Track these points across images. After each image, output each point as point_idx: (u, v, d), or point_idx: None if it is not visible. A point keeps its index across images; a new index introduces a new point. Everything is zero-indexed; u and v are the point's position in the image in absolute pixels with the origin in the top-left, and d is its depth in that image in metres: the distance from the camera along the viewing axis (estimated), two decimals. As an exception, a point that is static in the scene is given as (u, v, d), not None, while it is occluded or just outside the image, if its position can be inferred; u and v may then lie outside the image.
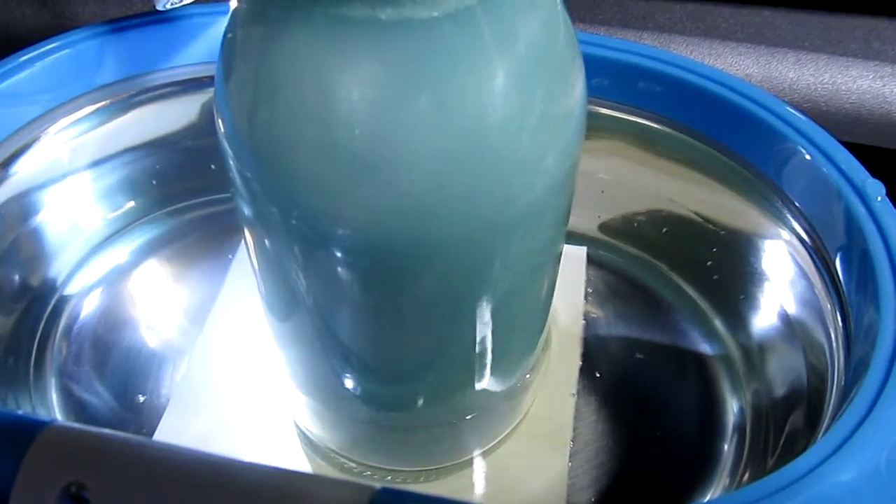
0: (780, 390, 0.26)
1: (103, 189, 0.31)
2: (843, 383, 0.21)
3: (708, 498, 0.25)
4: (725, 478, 0.25)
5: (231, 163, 0.17)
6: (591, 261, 0.31)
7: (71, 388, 0.27)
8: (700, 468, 0.25)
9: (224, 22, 0.29)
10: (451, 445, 0.24)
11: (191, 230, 0.32)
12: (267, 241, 0.18)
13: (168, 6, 0.28)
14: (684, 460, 0.26)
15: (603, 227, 0.32)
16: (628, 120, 0.28)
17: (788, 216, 0.25)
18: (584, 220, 0.31)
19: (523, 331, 0.22)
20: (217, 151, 0.17)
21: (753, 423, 0.26)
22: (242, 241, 0.31)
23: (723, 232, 0.28)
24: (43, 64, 0.27)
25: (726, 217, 0.28)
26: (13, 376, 0.27)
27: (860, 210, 0.22)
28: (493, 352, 0.20)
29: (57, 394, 0.27)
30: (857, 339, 0.21)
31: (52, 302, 0.29)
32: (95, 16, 0.37)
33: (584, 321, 0.29)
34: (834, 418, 0.19)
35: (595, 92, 0.27)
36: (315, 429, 0.25)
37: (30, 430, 0.16)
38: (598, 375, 0.28)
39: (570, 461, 0.25)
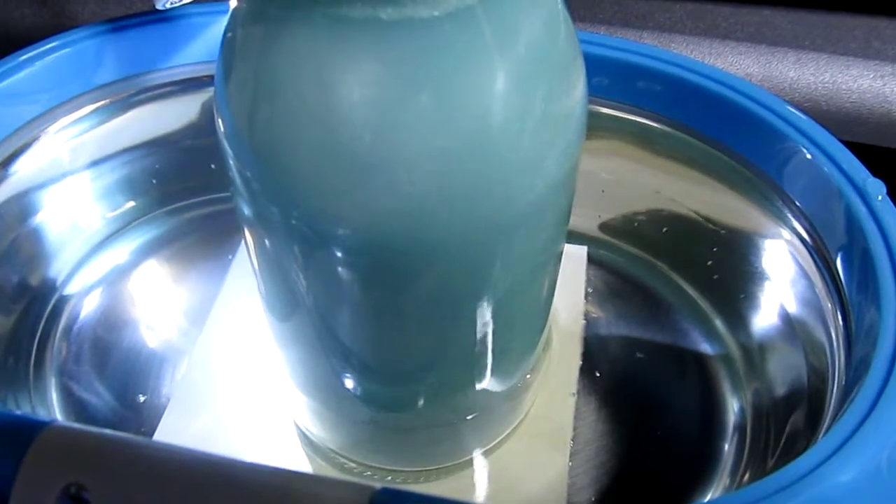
0: (780, 390, 0.26)
1: (103, 188, 0.31)
2: (843, 383, 0.21)
3: (708, 498, 0.25)
4: (726, 478, 0.25)
5: (231, 162, 0.17)
6: (592, 260, 0.31)
7: (71, 387, 0.27)
8: (700, 468, 0.25)
9: (223, 21, 0.29)
10: (451, 445, 0.24)
11: (191, 230, 0.32)
12: (267, 241, 0.18)
13: (167, 5, 0.28)
14: (684, 460, 0.26)
15: (603, 227, 0.32)
16: (629, 119, 0.28)
17: (789, 215, 0.25)
18: (585, 219, 0.31)
19: (524, 330, 0.22)
20: (217, 151, 0.17)
21: (754, 422, 0.26)
22: (242, 241, 0.31)
23: (723, 231, 0.28)
24: (42, 63, 0.27)
25: (727, 216, 0.28)
26: (13, 376, 0.27)
27: (861, 209, 0.22)
28: (493, 352, 0.20)
29: (57, 394, 0.27)
30: (858, 338, 0.21)
31: (52, 302, 0.29)
32: (95, 15, 0.37)
33: (584, 321, 0.29)
34: (835, 418, 0.18)
35: (595, 91, 0.27)
36: (315, 429, 0.25)
37: (29, 431, 0.16)
38: (598, 375, 0.28)
39: (570, 461, 0.25)
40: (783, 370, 0.26)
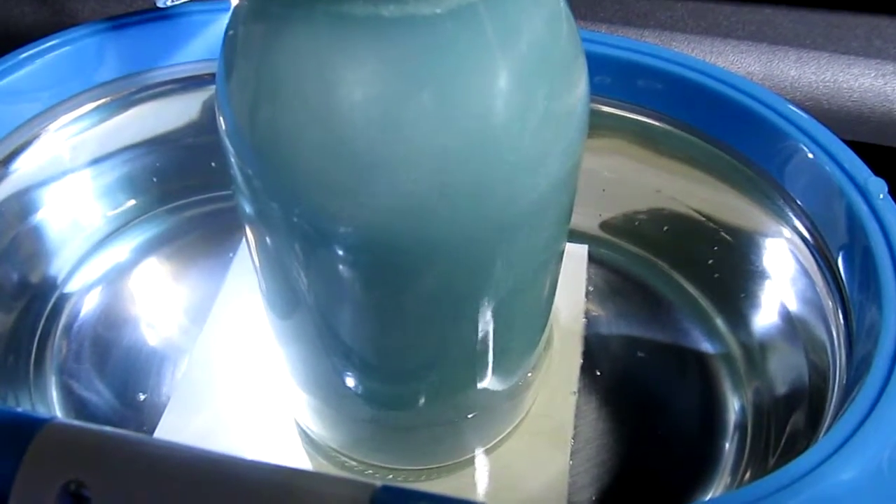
0: (781, 389, 0.26)
1: (104, 186, 0.31)
2: (844, 382, 0.21)
3: (709, 497, 0.25)
4: (727, 476, 0.25)
5: (232, 160, 0.17)
6: (592, 259, 0.31)
7: (71, 385, 0.27)
8: (701, 467, 0.25)
9: (224, 19, 0.29)
10: (452, 444, 0.24)
11: (191, 228, 0.32)
12: (268, 239, 0.18)
13: (168, 3, 0.28)
14: (685, 459, 0.26)
15: (604, 226, 0.32)
16: (630, 118, 0.28)
17: (790, 214, 0.25)
18: (586, 218, 0.31)
19: (525, 329, 0.22)
20: (218, 149, 0.17)
21: (755, 421, 0.26)
22: (243, 239, 0.31)
23: (724, 230, 0.28)
24: (43, 61, 0.27)
25: (728, 215, 0.28)
26: (13, 374, 0.27)
27: (862, 208, 0.22)
28: (495, 350, 0.20)
29: (57, 392, 0.27)
30: (859, 337, 0.21)
31: (53, 300, 0.29)
32: (95, 13, 0.37)
33: (585, 319, 0.29)
34: (836, 417, 0.18)
35: (596, 90, 0.27)
36: (316, 427, 0.25)
37: (29, 428, 0.16)
38: (598, 374, 0.28)
39: (571, 459, 0.25)
40: (784, 369, 0.26)
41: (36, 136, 0.28)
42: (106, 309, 0.30)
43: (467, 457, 0.25)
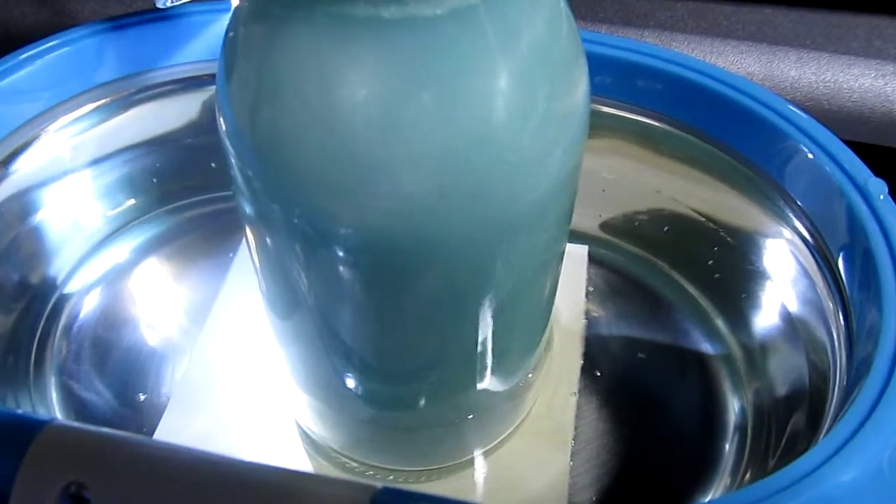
0: (781, 390, 0.26)
1: (103, 187, 0.31)
2: (845, 383, 0.21)
3: (709, 498, 0.25)
4: (727, 477, 0.25)
5: (232, 161, 0.17)
6: (593, 259, 0.31)
7: (71, 386, 0.27)
8: (701, 468, 0.25)
9: (223, 20, 0.29)
10: (453, 445, 0.24)
11: (191, 228, 0.32)
12: (268, 240, 0.18)
13: (168, 4, 0.28)
14: (685, 460, 0.26)
15: (604, 226, 0.32)
16: (630, 118, 0.28)
17: (790, 215, 0.25)
18: (586, 218, 0.31)
19: (526, 330, 0.22)
20: (218, 149, 0.17)
21: (755, 422, 0.26)
22: (243, 240, 0.31)
23: (724, 231, 0.28)
24: (43, 62, 0.27)
25: (728, 216, 0.28)
26: (13, 375, 0.27)
27: (862, 209, 0.22)
28: (495, 351, 0.20)
29: (57, 392, 0.27)
30: (860, 338, 0.21)
31: (52, 300, 0.29)
32: (95, 13, 0.37)
33: (585, 320, 0.29)
34: (836, 418, 0.18)
35: (596, 90, 0.27)
36: (316, 428, 0.25)
37: (29, 430, 0.16)
38: (599, 374, 0.28)
39: (571, 460, 0.25)
40: (784, 370, 0.26)
41: (36, 137, 0.28)
42: (106, 309, 0.30)
43: (468, 458, 0.25)
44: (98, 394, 0.27)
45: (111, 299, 0.30)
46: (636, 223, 0.31)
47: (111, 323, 0.29)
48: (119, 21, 0.28)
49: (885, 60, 0.32)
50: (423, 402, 0.21)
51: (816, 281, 0.24)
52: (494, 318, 0.18)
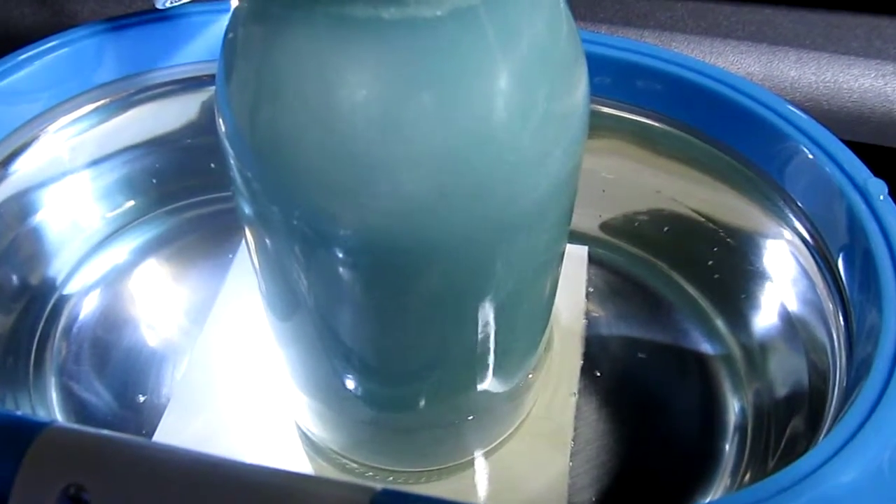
0: (781, 390, 0.26)
1: (103, 188, 0.31)
2: (844, 384, 0.21)
3: (709, 499, 0.25)
4: (727, 478, 0.25)
5: (232, 162, 0.17)
6: (592, 260, 0.31)
7: (71, 387, 0.27)
8: (701, 468, 0.25)
9: (223, 20, 0.29)
10: (452, 446, 0.24)
11: (191, 229, 0.32)
12: (268, 241, 0.18)
13: (167, 4, 0.28)
14: (685, 460, 0.26)
15: (604, 226, 0.32)
16: (629, 119, 0.28)
17: (790, 215, 0.25)
18: (585, 218, 0.31)
19: (526, 331, 0.22)
20: (217, 150, 0.17)
21: (755, 423, 0.26)
22: (243, 240, 0.31)
23: (724, 231, 0.28)
24: (42, 62, 0.27)
25: (728, 216, 0.28)
26: (13, 376, 0.27)
27: (862, 209, 0.22)
28: (495, 352, 0.20)
29: (57, 393, 0.27)
30: (860, 339, 0.21)
31: (52, 301, 0.29)
32: (94, 14, 0.37)
33: (585, 320, 0.29)
34: (836, 419, 0.18)
35: (596, 90, 0.27)
36: (316, 429, 0.25)
37: (29, 432, 0.16)
38: (598, 375, 0.28)
39: (571, 461, 0.25)
40: (784, 370, 0.26)
41: (35, 138, 0.28)
42: (105, 310, 0.30)
43: (468, 458, 0.25)
44: (98, 395, 0.27)
45: (111, 300, 0.30)
46: (636, 223, 0.31)
47: (111, 324, 0.29)
48: (118, 21, 0.28)
49: (885, 60, 0.32)
50: (422, 402, 0.21)
51: (816, 281, 0.24)
52: (494, 318, 0.18)
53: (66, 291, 0.30)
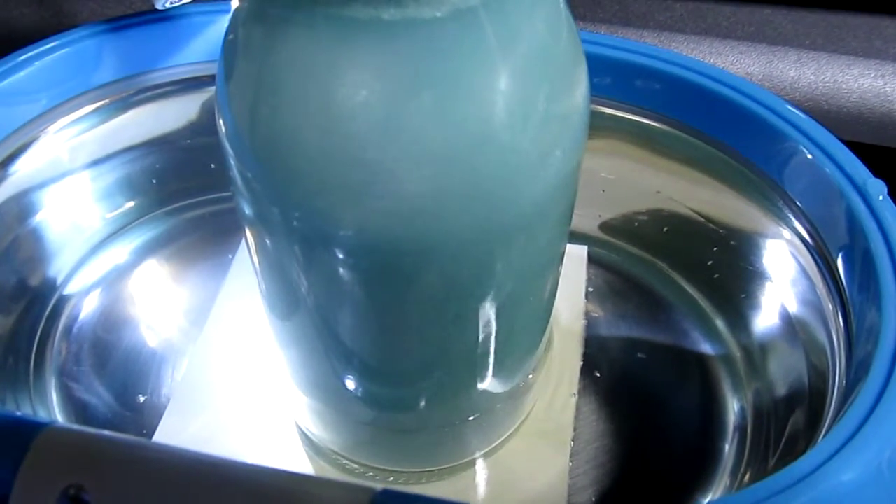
0: (781, 390, 0.26)
1: (103, 188, 0.31)
2: (844, 384, 0.21)
3: (709, 499, 0.25)
4: (726, 478, 0.25)
5: (232, 163, 0.17)
6: (592, 260, 0.31)
7: (71, 388, 0.27)
8: (701, 468, 0.25)
9: (223, 21, 0.29)
10: (453, 447, 0.24)
11: (191, 229, 0.32)
12: (268, 241, 0.18)
13: (167, 5, 0.28)
14: (685, 460, 0.26)
15: (603, 226, 0.32)
16: (629, 119, 0.28)
17: (790, 215, 0.25)
18: (585, 219, 0.31)
19: (526, 331, 0.22)
20: (217, 150, 0.17)
21: (755, 423, 0.26)
22: (243, 241, 0.31)
23: (724, 231, 0.28)
24: (42, 63, 0.27)
25: (727, 216, 0.28)
26: (13, 376, 0.27)
27: (862, 209, 0.22)
28: (496, 353, 0.20)
29: (57, 394, 0.27)
30: (859, 339, 0.21)
31: (52, 302, 0.29)
32: (94, 14, 0.37)
33: (584, 320, 0.29)
34: (835, 419, 0.18)
35: (596, 91, 0.27)
36: (316, 430, 0.25)
37: (29, 432, 0.16)
38: (598, 375, 0.28)
39: (571, 461, 0.25)
40: (784, 370, 0.26)
41: (35, 138, 0.28)
42: (105, 311, 0.30)
43: (468, 459, 0.25)
44: (98, 395, 0.27)
45: (111, 301, 0.30)
46: (636, 223, 0.31)
47: (111, 324, 0.29)
48: (118, 22, 0.28)
49: (884, 60, 0.32)
50: (423, 403, 0.21)
51: (816, 281, 0.24)
52: (495, 319, 0.18)
53: (66, 292, 0.30)
